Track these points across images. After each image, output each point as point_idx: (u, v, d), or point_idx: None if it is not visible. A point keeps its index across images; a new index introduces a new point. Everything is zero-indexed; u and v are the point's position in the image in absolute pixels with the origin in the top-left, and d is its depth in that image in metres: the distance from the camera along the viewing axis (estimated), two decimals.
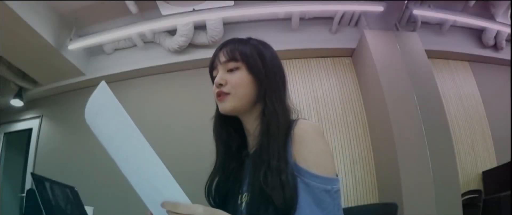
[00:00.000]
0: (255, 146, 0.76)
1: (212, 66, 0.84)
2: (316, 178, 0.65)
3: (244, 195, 0.75)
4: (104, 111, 0.58)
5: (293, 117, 0.78)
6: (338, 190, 0.67)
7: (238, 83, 0.77)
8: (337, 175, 0.70)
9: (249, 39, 0.86)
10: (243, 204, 0.74)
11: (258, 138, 0.75)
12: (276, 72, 0.81)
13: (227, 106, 0.78)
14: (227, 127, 0.85)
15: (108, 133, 0.60)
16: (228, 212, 0.73)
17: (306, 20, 3.33)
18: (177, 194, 0.60)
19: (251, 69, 0.78)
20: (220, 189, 0.82)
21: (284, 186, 0.64)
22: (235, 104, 0.77)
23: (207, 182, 0.84)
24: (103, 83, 0.56)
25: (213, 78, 0.83)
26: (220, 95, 0.78)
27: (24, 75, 3.43)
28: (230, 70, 0.79)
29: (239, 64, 0.79)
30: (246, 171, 0.79)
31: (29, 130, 3.57)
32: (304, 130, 0.70)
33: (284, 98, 0.80)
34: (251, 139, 0.82)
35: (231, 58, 0.79)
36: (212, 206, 0.82)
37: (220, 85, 0.78)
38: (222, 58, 0.80)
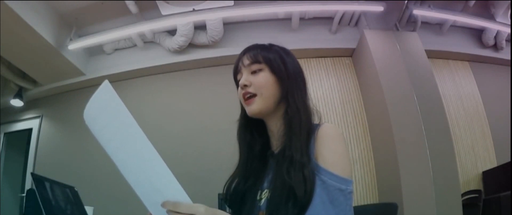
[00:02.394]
0: (279, 146, 0.80)
1: (236, 70, 0.87)
2: (333, 176, 0.68)
3: (264, 192, 0.78)
4: (106, 110, 0.58)
5: (315, 118, 0.83)
6: (351, 192, 0.70)
7: (263, 84, 0.81)
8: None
9: (272, 45, 0.89)
10: (263, 200, 0.76)
11: (282, 138, 0.78)
12: (297, 76, 0.85)
13: (254, 108, 0.81)
14: (251, 129, 0.88)
15: (108, 132, 0.60)
16: (245, 208, 0.79)
17: (306, 20, 3.33)
18: (178, 194, 0.59)
19: (274, 70, 0.82)
20: (239, 187, 0.84)
21: (306, 179, 0.67)
22: (261, 106, 0.81)
23: (227, 182, 0.86)
24: (106, 82, 0.56)
25: (237, 82, 0.87)
26: (247, 98, 0.81)
27: (24, 75, 3.43)
28: (254, 72, 0.83)
29: (262, 66, 0.83)
30: (269, 169, 0.82)
31: (29, 130, 3.57)
32: (327, 132, 0.75)
33: (306, 98, 0.84)
34: (274, 140, 0.85)
35: (255, 61, 0.83)
36: (228, 205, 0.85)
37: (245, 86, 0.81)
38: (246, 61, 0.84)
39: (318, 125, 0.78)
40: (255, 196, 0.79)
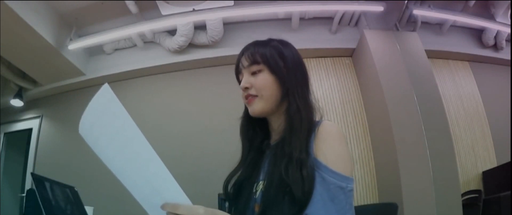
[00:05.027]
0: (277, 140, 0.80)
1: (237, 70, 0.88)
2: (333, 173, 0.68)
3: (260, 183, 0.78)
4: (106, 114, 0.57)
5: (317, 115, 0.82)
6: (351, 190, 0.69)
7: (262, 85, 0.81)
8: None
9: (270, 40, 0.89)
10: (258, 192, 0.76)
11: (281, 133, 0.79)
12: (297, 70, 0.85)
13: (256, 108, 0.82)
14: (254, 125, 0.89)
15: (107, 136, 0.59)
16: (241, 199, 0.79)
17: (306, 20, 3.33)
18: (177, 195, 0.59)
19: (273, 70, 0.82)
20: (237, 179, 0.85)
21: (304, 179, 0.67)
22: (263, 106, 0.82)
23: (228, 175, 0.87)
24: (106, 86, 0.56)
25: (239, 81, 0.87)
26: (249, 98, 0.82)
27: (24, 75, 3.43)
28: (254, 73, 0.83)
29: (261, 66, 0.83)
30: (265, 161, 0.82)
31: (29, 130, 3.57)
32: (328, 130, 0.75)
33: (307, 95, 0.84)
34: (274, 134, 0.86)
35: (253, 62, 0.83)
36: (226, 196, 0.86)
37: (246, 89, 0.82)
38: (245, 62, 0.84)
39: (318, 122, 0.78)
40: (251, 188, 0.79)
